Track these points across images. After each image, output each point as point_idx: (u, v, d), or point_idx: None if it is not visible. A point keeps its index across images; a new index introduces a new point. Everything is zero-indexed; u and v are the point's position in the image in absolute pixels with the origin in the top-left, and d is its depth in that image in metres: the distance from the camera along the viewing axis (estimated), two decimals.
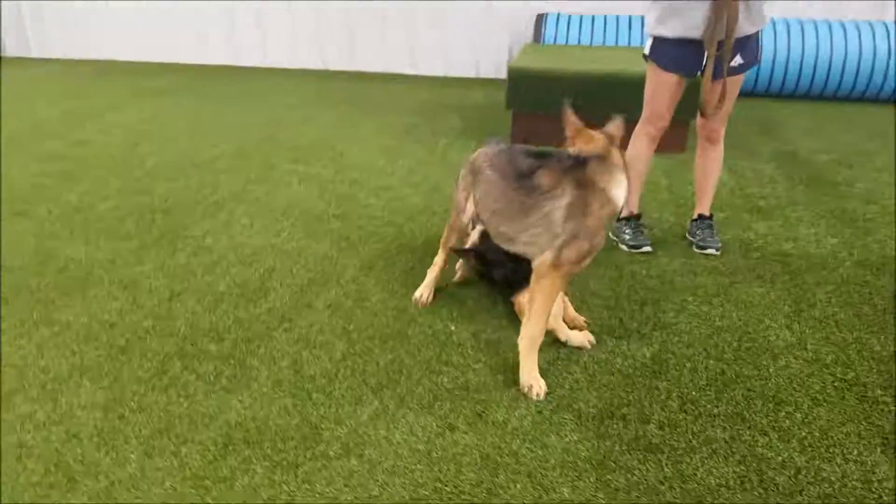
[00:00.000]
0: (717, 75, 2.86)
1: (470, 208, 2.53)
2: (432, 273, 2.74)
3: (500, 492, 1.77)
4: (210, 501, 1.73)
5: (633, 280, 2.93)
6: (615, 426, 2.02)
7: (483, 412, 2.07)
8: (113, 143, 4.81)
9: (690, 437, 1.98)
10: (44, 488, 1.76)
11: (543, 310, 2.19)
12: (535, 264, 2.20)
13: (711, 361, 2.35)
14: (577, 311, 2.61)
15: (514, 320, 2.57)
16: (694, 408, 2.11)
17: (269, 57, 8.01)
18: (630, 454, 1.91)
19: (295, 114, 5.77)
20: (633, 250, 3.21)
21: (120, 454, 1.88)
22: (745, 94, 6.55)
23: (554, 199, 2.14)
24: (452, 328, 2.54)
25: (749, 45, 2.86)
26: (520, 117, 5.00)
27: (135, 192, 3.87)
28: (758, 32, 2.87)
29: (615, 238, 3.30)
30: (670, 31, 2.87)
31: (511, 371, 2.27)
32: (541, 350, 2.38)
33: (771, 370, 2.31)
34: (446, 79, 7.62)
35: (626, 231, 3.26)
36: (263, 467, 1.84)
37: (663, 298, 2.78)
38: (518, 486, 1.79)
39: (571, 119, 2.37)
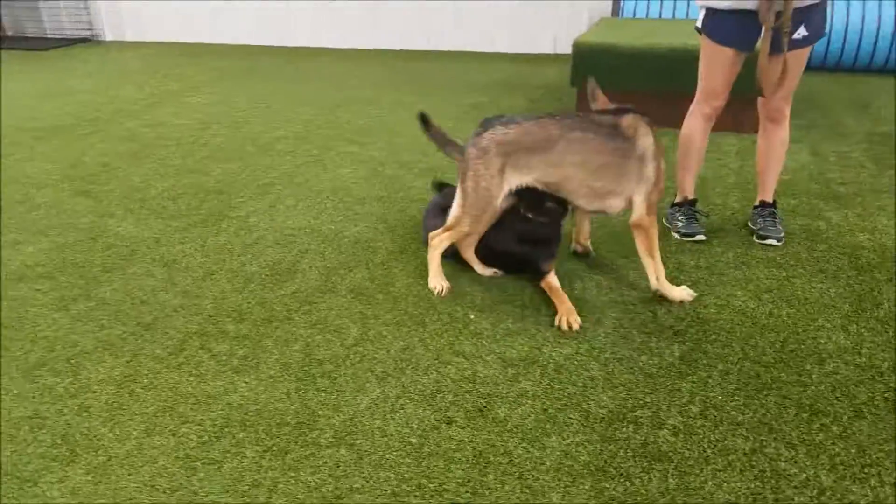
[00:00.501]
0: (775, 49, 2.60)
1: (504, 192, 2.45)
2: (434, 261, 2.65)
3: (486, 493, 1.69)
4: (196, 483, 1.74)
5: (679, 271, 2.74)
6: (624, 430, 1.89)
7: (485, 407, 1.99)
8: (184, 125, 4.97)
9: (706, 446, 1.82)
10: (47, 460, 1.82)
11: (657, 248, 2.52)
12: (634, 219, 2.51)
13: (747, 364, 2.16)
14: (609, 303, 2.48)
15: (538, 310, 2.47)
16: (716, 414, 1.94)
17: (348, 38, 8.05)
18: (634, 461, 1.78)
19: (362, 94, 5.78)
20: (686, 238, 3.00)
21: (123, 430, 1.93)
22: (838, 68, 6.02)
23: (638, 139, 2.42)
24: (472, 317, 2.46)
25: (814, 16, 2.58)
26: (585, 96, 4.79)
27: (193, 172, 3.99)
28: (824, 1, 2.59)
29: (668, 225, 3.10)
30: (723, 1, 2.64)
31: (523, 365, 2.17)
32: (559, 344, 2.27)
33: (814, 376, 2.09)
34: (524, 56, 7.42)
35: (680, 217, 3.06)
36: (254, 451, 1.83)
37: (708, 292, 2.58)
38: (506, 487, 1.70)
39: (599, 94, 2.66)
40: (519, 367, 2.17)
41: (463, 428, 1.91)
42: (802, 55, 2.69)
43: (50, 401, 2.05)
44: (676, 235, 3.03)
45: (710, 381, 2.08)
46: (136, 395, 2.07)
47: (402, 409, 1.99)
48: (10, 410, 2.01)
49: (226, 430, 1.92)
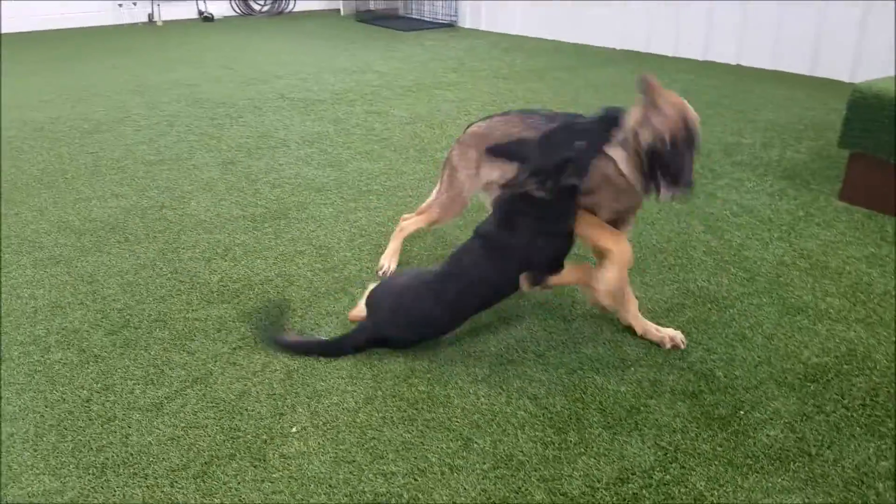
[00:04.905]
0: None
1: (477, 185, 2.34)
2: (396, 241, 2.61)
3: None
4: None
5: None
6: None
7: None
8: (394, 118, 4.78)
9: None
10: None
11: None
12: None
13: None
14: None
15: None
16: None
17: (681, 48, 6.89)
18: None
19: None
20: None
21: None
22: None
23: None
24: (294, 430, 1.75)
25: None
26: (859, 162, 3.22)
27: (308, 165, 3.80)
28: None
29: None
30: None
31: None
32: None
33: None
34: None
35: None
36: None
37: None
38: None
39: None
40: None
41: None
42: None
43: None
44: None
45: None
46: None
47: None
48: None
49: None
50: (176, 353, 2.07)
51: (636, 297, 2.16)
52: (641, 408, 1.83)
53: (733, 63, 6.45)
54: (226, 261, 2.67)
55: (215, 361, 2.03)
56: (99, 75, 6.34)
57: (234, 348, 2.10)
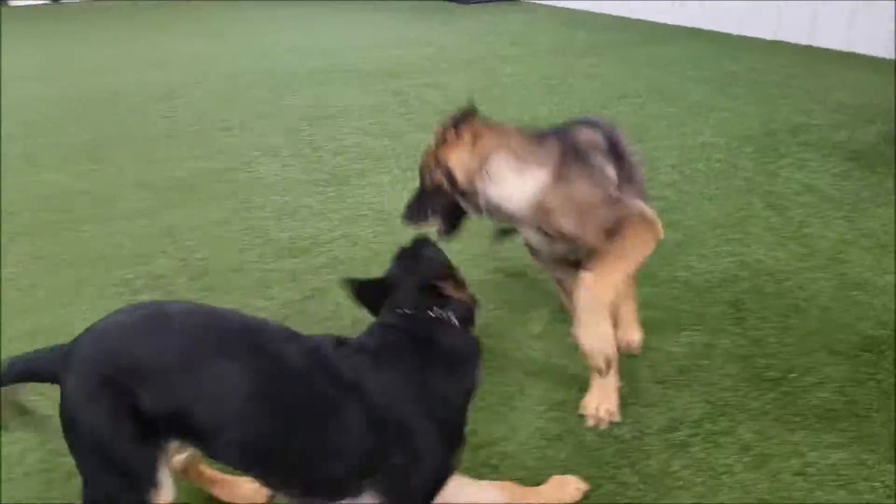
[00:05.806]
0: None
1: None
2: None
3: None
4: None
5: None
6: None
7: None
8: (450, 93, 4.81)
9: None
10: None
11: None
12: None
13: None
14: None
15: None
16: None
17: (747, 26, 6.71)
18: None
19: (665, 85, 4.80)
20: None
21: None
22: None
23: None
24: None
25: None
26: None
27: (367, 135, 3.91)
28: None
29: None
30: None
31: None
32: None
33: None
34: None
35: None
36: None
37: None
38: None
39: None
40: None
41: None
42: None
43: None
44: None
45: None
46: None
47: None
48: None
49: None
50: (255, 299, 2.22)
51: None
52: (693, 367, 1.90)
53: (804, 43, 6.27)
54: (294, 220, 2.82)
55: (290, 307, 2.18)
56: (173, 46, 6.59)
57: (306, 297, 2.24)
